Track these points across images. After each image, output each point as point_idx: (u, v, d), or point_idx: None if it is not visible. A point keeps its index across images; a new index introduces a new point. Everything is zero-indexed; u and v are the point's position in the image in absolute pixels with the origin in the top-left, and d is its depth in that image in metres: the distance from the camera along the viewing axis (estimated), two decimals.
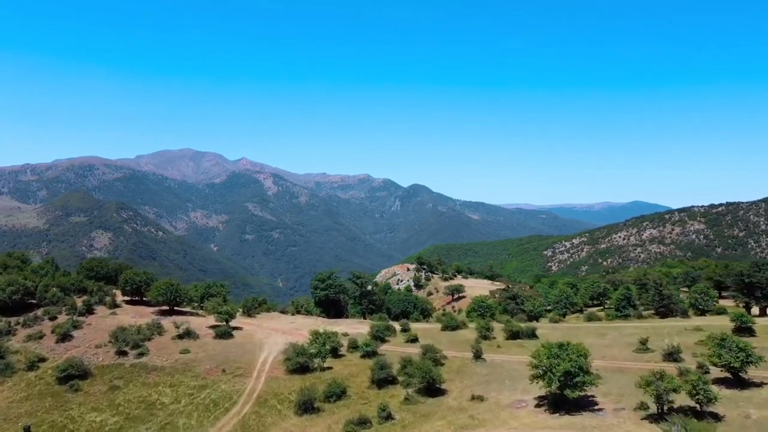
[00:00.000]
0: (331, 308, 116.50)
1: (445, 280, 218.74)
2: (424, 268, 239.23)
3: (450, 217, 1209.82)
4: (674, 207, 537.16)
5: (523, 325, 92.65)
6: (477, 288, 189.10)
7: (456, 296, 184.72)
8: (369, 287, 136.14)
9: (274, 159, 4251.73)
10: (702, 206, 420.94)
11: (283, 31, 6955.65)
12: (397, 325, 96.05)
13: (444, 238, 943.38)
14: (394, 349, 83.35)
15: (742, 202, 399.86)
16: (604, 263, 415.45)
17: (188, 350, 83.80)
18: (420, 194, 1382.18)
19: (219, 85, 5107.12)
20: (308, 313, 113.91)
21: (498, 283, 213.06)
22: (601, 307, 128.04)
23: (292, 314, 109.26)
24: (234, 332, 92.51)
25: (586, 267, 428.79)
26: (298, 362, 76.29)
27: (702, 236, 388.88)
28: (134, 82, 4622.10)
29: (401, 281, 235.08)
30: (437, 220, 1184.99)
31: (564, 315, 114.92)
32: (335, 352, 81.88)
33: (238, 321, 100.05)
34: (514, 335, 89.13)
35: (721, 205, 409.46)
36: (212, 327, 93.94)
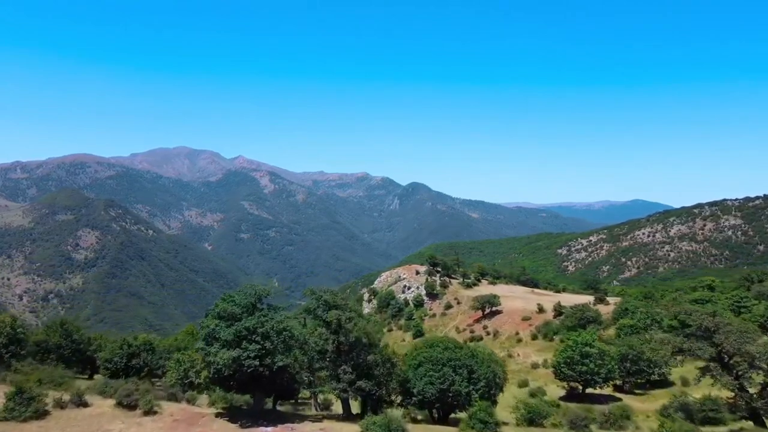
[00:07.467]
0: (262, 389, 43.74)
1: (468, 287, 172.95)
2: (438, 271, 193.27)
3: (450, 215, 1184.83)
4: (675, 206, 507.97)
5: None
6: (514, 298, 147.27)
7: (488, 310, 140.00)
8: (360, 331, 45.54)
9: (271, 157, 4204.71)
10: (737, 199, 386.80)
11: (281, 28, 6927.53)
12: None
13: (444, 236, 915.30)
14: None
15: None
16: (628, 262, 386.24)
17: None
18: (419, 192, 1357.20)
19: (216, 82, 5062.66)
20: (208, 389, 47.76)
21: (540, 291, 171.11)
22: None
23: (144, 412, 40.68)
24: None
25: (608, 267, 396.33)
26: None
27: (740, 232, 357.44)
28: (130, 79, 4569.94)
29: (409, 288, 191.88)
30: (437, 218, 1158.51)
31: None
32: None
33: None
34: None
35: (758, 198, 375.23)
36: None
